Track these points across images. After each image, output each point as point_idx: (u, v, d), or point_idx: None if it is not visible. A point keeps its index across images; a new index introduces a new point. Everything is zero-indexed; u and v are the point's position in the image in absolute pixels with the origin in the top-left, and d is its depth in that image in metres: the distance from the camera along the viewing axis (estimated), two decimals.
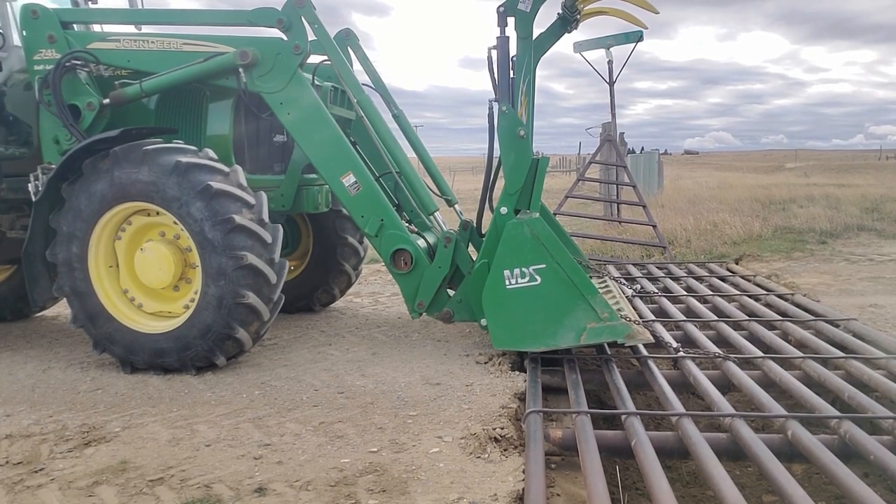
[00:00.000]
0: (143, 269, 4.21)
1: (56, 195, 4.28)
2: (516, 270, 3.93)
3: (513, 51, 4.28)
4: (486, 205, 4.80)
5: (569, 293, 3.87)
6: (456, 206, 5.47)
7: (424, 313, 4.59)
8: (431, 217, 5.16)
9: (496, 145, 4.55)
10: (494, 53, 4.31)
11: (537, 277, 3.90)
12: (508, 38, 4.26)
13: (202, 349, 4.11)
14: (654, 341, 4.04)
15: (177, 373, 4.20)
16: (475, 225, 4.92)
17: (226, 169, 4.19)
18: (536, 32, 4.34)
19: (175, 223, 4.16)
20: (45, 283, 4.44)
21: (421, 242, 4.71)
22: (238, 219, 3.98)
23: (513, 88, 4.26)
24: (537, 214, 4.18)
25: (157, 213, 4.23)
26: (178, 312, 4.28)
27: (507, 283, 3.94)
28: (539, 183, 4.42)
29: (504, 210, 4.31)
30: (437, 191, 5.46)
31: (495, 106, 4.37)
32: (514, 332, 3.99)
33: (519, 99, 4.25)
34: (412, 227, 5.07)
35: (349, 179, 4.47)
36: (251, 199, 4.13)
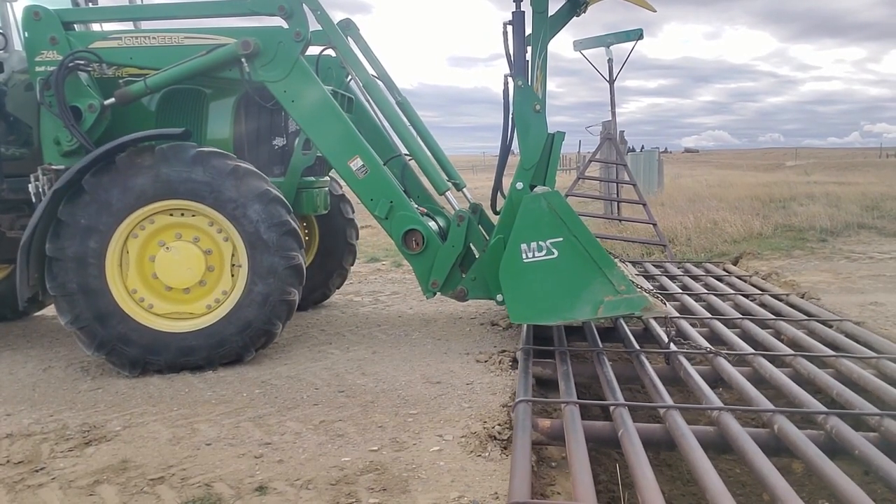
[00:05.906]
0: (166, 268, 4.23)
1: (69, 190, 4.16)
2: (533, 244, 3.91)
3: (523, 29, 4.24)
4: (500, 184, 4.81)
5: (586, 266, 3.86)
6: (465, 189, 5.46)
7: (438, 292, 4.60)
8: (444, 196, 5.08)
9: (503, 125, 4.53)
10: (510, 28, 4.29)
11: (554, 251, 3.89)
12: (524, 12, 4.24)
13: (237, 345, 4.25)
14: (675, 315, 4.00)
15: (198, 371, 4.20)
16: (491, 200, 4.93)
17: (267, 178, 4.35)
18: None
19: (210, 225, 4.25)
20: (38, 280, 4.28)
21: (432, 224, 4.74)
22: (292, 223, 4.25)
23: (528, 64, 4.25)
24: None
25: (182, 214, 4.25)
26: (198, 312, 4.30)
27: (523, 256, 3.93)
28: (554, 159, 4.43)
29: (520, 185, 4.32)
30: (445, 176, 5.43)
31: (510, 81, 4.35)
32: (531, 306, 3.98)
33: (535, 74, 4.23)
34: (422, 209, 5.06)
35: (356, 163, 4.50)
36: (290, 206, 4.34)
